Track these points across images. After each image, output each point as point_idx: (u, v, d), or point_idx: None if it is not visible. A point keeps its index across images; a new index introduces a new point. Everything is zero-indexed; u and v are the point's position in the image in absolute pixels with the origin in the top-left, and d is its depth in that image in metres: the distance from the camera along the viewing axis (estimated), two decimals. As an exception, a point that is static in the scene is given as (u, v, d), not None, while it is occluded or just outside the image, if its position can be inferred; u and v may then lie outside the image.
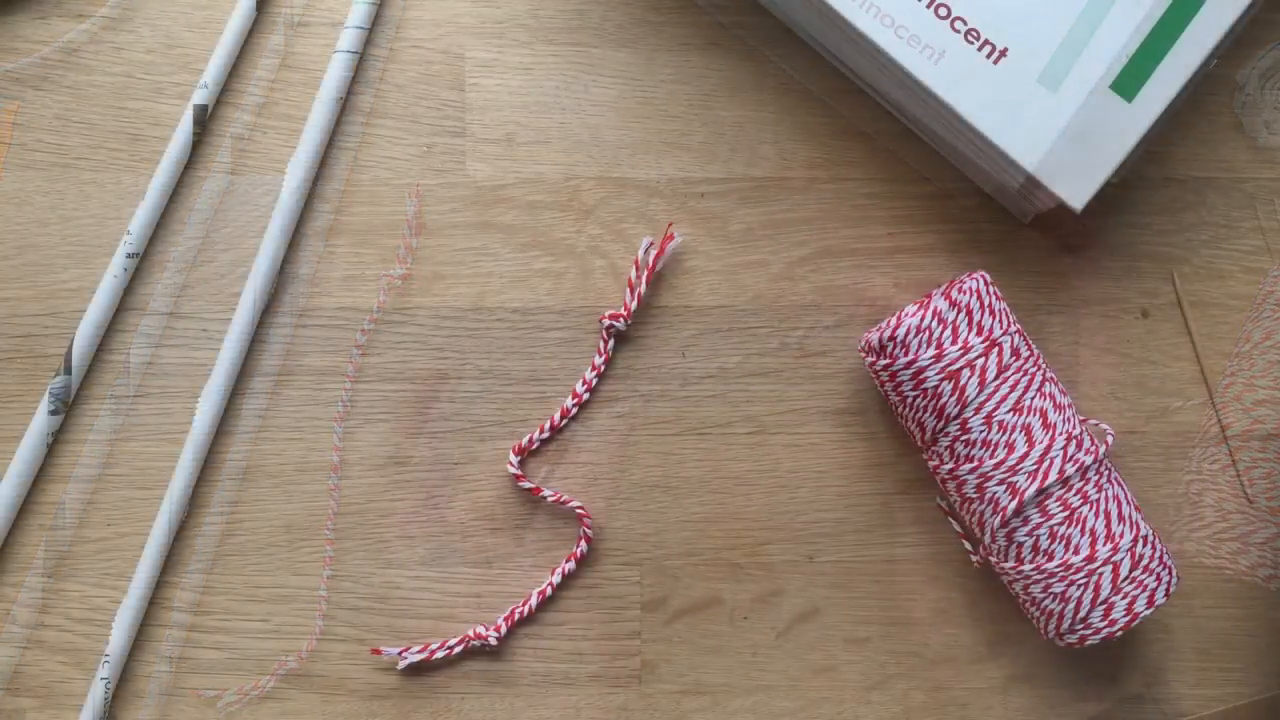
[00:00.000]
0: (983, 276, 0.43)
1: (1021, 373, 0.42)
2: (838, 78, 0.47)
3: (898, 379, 0.43)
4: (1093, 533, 0.42)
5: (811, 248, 0.47)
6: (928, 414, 0.43)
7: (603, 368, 0.46)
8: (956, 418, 0.42)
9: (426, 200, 0.47)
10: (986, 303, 0.43)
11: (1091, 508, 0.42)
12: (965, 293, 0.42)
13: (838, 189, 0.47)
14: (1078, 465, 0.42)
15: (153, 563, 0.45)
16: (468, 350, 0.47)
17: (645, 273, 0.46)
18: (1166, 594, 0.42)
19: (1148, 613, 0.42)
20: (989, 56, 0.42)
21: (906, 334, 0.42)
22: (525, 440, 0.46)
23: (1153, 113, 0.42)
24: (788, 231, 0.47)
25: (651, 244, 0.46)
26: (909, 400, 0.43)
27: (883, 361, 0.43)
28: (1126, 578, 0.42)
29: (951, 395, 0.42)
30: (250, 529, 0.46)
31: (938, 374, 0.42)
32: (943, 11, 0.42)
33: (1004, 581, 0.45)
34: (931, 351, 0.42)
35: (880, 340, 0.43)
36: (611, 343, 0.46)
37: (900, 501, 0.47)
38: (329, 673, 0.46)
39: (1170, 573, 0.43)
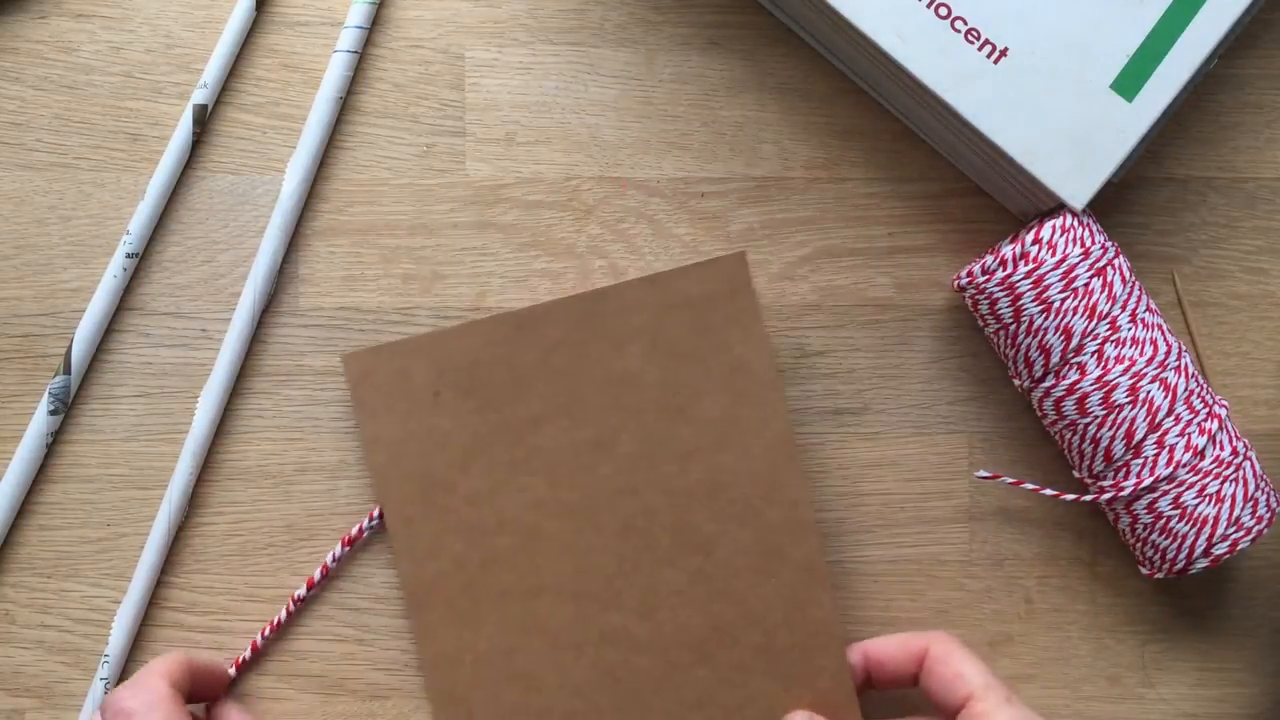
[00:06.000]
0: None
1: (1138, 280, 0.44)
2: (838, 78, 0.47)
3: (1043, 283, 0.42)
4: (1226, 428, 0.43)
5: (811, 248, 0.47)
6: (1078, 316, 0.42)
7: None
8: (1107, 316, 0.42)
9: (426, 200, 0.47)
10: (1094, 220, 0.44)
11: (1217, 404, 0.43)
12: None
13: (838, 189, 0.47)
14: (1197, 365, 0.43)
15: (153, 563, 0.45)
16: (468, 350, 0.47)
17: None
18: None
19: None
20: (989, 56, 0.42)
21: (1052, 234, 0.42)
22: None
23: (1153, 113, 0.42)
24: (788, 231, 0.47)
25: None
26: (1055, 307, 0.42)
27: (1024, 269, 0.42)
28: (1262, 474, 0.43)
29: (1102, 292, 0.42)
30: (250, 529, 0.46)
31: (1088, 270, 0.42)
32: (943, 11, 0.42)
33: (1120, 516, 0.44)
34: (1079, 249, 0.42)
35: (1022, 248, 0.42)
36: None
37: (900, 501, 0.47)
38: (329, 673, 0.46)
39: None
